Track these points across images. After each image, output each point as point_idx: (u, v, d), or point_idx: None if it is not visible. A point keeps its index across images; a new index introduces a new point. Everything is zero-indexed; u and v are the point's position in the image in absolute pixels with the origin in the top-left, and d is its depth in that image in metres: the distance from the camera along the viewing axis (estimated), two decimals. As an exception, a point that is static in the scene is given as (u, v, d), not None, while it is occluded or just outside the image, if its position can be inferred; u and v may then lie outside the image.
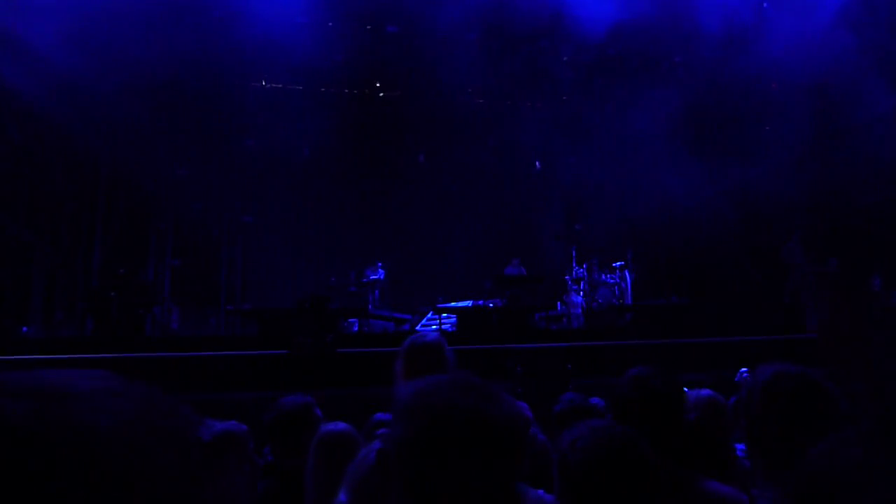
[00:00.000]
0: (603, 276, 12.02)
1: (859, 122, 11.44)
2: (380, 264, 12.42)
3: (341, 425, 2.48)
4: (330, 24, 12.32)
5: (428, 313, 12.06)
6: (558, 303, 11.83)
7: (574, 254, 12.43)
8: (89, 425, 0.49)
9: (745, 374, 4.97)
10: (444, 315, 10.69)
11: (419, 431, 0.93)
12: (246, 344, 7.86)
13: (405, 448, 0.94)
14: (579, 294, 11.83)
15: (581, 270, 12.15)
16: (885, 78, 11.01)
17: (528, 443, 1.03)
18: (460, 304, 11.36)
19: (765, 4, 12.06)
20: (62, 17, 10.05)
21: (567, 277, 12.19)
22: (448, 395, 0.95)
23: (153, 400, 0.55)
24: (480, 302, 11.09)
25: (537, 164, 14.71)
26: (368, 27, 12.73)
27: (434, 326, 11.24)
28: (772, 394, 1.52)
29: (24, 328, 10.34)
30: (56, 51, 10.38)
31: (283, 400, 3.02)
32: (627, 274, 12.08)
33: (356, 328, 10.86)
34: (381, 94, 14.48)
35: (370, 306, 11.46)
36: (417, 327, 11.49)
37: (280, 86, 13.73)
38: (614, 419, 1.74)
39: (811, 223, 12.31)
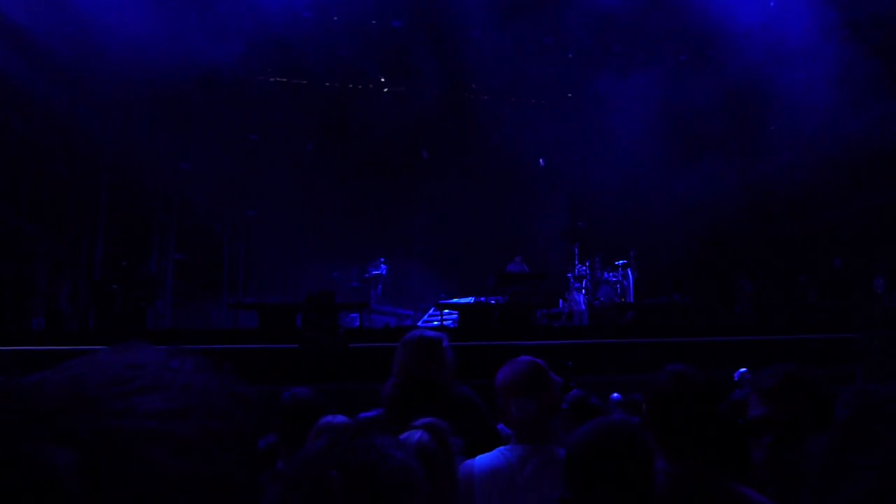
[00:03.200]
0: (605, 274, 11.99)
1: (861, 122, 11.39)
2: (382, 260, 12.42)
3: (340, 418, 2.42)
4: (335, 18, 12.32)
5: (430, 309, 12.06)
6: (560, 300, 11.82)
7: (577, 251, 12.41)
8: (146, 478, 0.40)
9: (743, 374, 4.97)
10: (446, 311, 10.68)
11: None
12: (247, 338, 7.88)
13: None
14: (581, 292, 11.81)
15: (584, 268, 12.13)
16: (886, 79, 10.96)
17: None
18: (462, 300, 11.36)
19: (771, 3, 12.00)
20: (66, 9, 10.06)
21: (570, 275, 12.17)
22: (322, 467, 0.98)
23: (217, 409, 0.46)
24: (482, 299, 11.08)
25: (541, 161, 14.68)
26: (373, 22, 12.71)
27: (435, 323, 11.24)
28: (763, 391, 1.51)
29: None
30: (60, 43, 10.40)
31: (294, 391, 3.00)
32: (630, 272, 12.06)
33: (357, 323, 10.87)
34: (386, 90, 14.46)
35: (372, 302, 11.46)
36: (419, 323, 11.50)
37: (284, 80, 13.72)
38: (650, 416, 1.74)
39: (817, 223, 12.27)
